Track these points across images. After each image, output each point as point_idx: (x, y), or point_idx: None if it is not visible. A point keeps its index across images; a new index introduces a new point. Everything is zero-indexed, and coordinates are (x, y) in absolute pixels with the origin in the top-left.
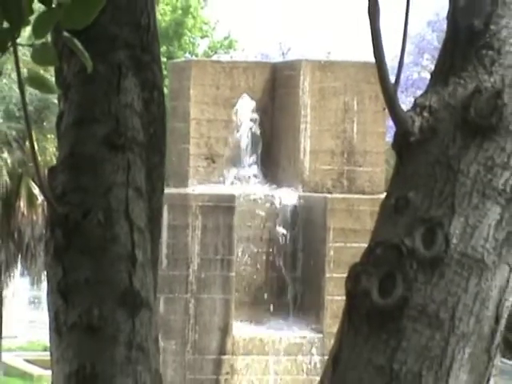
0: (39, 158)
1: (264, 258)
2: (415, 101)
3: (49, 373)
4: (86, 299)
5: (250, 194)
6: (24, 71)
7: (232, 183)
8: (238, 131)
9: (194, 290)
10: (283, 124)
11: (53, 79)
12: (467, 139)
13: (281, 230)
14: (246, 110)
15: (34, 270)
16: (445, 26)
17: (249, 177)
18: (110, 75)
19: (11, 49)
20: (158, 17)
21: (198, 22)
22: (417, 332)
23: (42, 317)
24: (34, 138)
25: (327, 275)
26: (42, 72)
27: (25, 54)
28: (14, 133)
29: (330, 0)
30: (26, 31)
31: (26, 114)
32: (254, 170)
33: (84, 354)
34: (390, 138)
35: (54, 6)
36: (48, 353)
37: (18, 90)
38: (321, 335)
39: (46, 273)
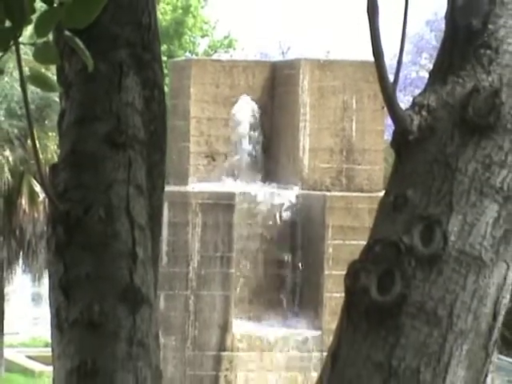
0: (41, 156)
1: (263, 255)
2: (414, 99)
3: (50, 369)
4: (87, 295)
5: (249, 191)
6: (26, 70)
7: (232, 181)
8: (237, 129)
9: (194, 286)
10: (283, 122)
11: (54, 78)
12: (465, 138)
13: (280, 227)
14: (245, 109)
15: (35, 266)
16: (443, 26)
17: (248, 175)
18: (112, 74)
19: (13, 47)
20: (159, 16)
21: (198, 22)
22: (415, 329)
23: (44, 313)
24: (36, 136)
25: (326, 272)
26: (43, 70)
27: (26, 52)
28: (15, 131)
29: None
30: (28, 30)
31: (27, 112)
32: (254, 167)
33: (85, 350)
34: (388, 136)
35: (55, 5)
36: (49, 349)
37: (19, 89)
38: (319, 332)
39: (48, 269)
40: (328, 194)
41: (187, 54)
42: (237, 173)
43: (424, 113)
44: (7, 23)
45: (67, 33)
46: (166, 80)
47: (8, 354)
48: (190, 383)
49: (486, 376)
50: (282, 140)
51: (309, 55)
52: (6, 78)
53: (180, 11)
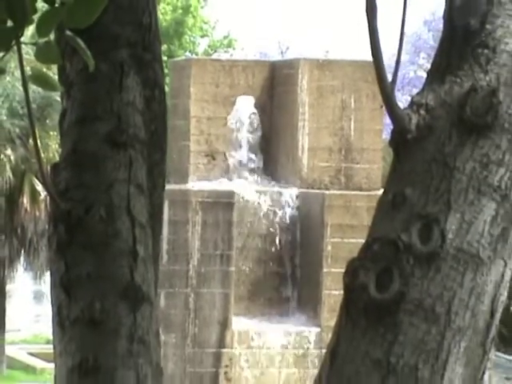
0: (42, 155)
1: (263, 253)
2: (412, 99)
3: (52, 366)
4: (88, 293)
5: (249, 190)
6: (27, 69)
7: (231, 180)
8: (237, 128)
9: (194, 284)
10: (282, 122)
11: (56, 77)
12: (463, 137)
13: (279, 225)
14: (245, 108)
15: (36, 264)
16: (441, 26)
17: (248, 173)
18: (112, 73)
19: (15, 47)
20: (159, 16)
21: (198, 22)
22: (413, 326)
23: (45, 311)
24: (37, 135)
25: (325, 270)
26: (45, 70)
27: (28, 52)
28: (17, 130)
29: (327, 0)
30: (30, 30)
31: (29, 111)
32: (253, 166)
33: (86, 347)
34: (386, 135)
35: (57, 5)
36: (51, 346)
37: (21, 88)
38: (318, 329)
39: (49, 267)
40: (327, 192)
41: (187, 53)
42: (236, 171)
43: (422, 112)
44: (9, 23)
45: (68, 33)
46: (167, 80)
47: (10, 350)
48: (190, 380)
49: (484, 373)
50: (281, 139)
51: (308, 55)
52: (8, 78)
53: (180, 11)
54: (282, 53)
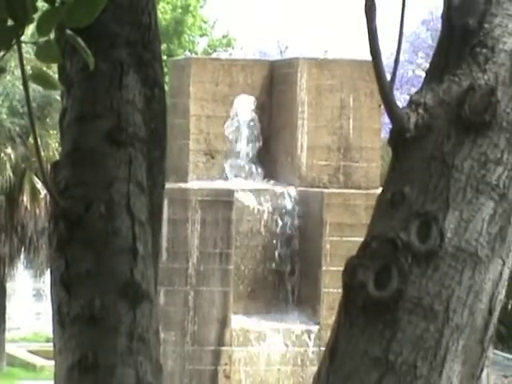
0: (42, 154)
1: (262, 251)
2: (411, 98)
3: (51, 363)
4: (88, 291)
5: (248, 188)
6: (27, 68)
7: (230, 178)
8: (236, 127)
9: (193, 282)
10: (281, 120)
11: (56, 76)
12: (461, 135)
13: (278, 224)
14: (244, 107)
15: (36, 262)
16: (439, 25)
17: (247, 172)
18: (112, 72)
19: (15, 46)
20: (159, 15)
21: (197, 21)
22: (412, 324)
23: (45, 308)
24: (37, 134)
25: (323, 268)
26: (45, 69)
27: (28, 51)
28: (17, 128)
29: None
30: (30, 29)
31: (29, 110)
32: (252, 165)
33: (86, 345)
34: (385, 134)
35: (57, 4)
36: (50, 344)
37: (21, 87)
38: (317, 327)
39: (49, 265)
40: (326, 191)
41: (187, 52)
42: (235, 170)
43: (421, 111)
44: (9, 22)
45: (69, 32)
46: (166, 79)
47: (10, 348)
48: (190, 377)
49: (482, 371)
50: (281, 138)
51: (307, 54)
52: (8, 77)
53: (179, 10)
54: (281, 52)
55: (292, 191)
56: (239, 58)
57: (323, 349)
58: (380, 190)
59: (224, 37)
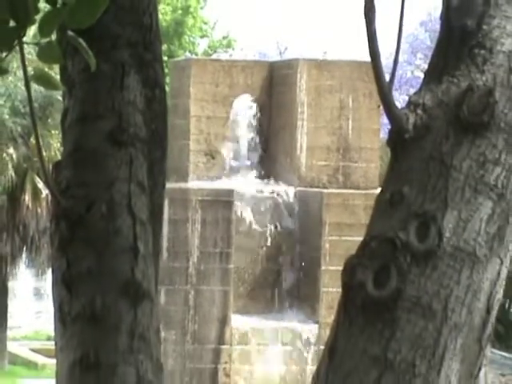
0: (44, 154)
1: (262, 251)
2: (409, 98)
3: (53, 361)
4: (89, 290)
5: (248, 188)
6: (29, 69)
7: (230, 178)
8: (236, 128)
9: (193, 281)
10: (280, 121)
11: (57, 77)
12: (460, 136)
13: (278, 223)
14: (244, 108)
15: (38, 261)
16: (437, 26)
17: (247, 172)
18: (114, 73)
19: (17, 47)
20: (159, 16)
21: (197, 22)
22: (410, 322)
23: (46, 307)
24: (39, 134)
25: (323, 268)
26: (46, 70)
27: (30, 52)
28: (19, 129)
29: (326, 1)
30: (32, 30)
31: (31, 110)
32: (252, 165)
33: (87, 343)
34: (384, 134)
35: (59, 5)
36: (52, 342)
37: (23, 88)
38: (316, 326)
39: (51, 264)
40: (325, 191)
41: (187, 53)
42: (235, 170)
43: (419, 111)
44: (11, 23)
45: (70, 33)
46: (167, 79)
47: (11, 347)
48: (190, 376)
49: (480, 369)
50: (280, 138)
51: (306, 55)
52: (10, 78)
53: (180, 12)
54: (280, 53)
55: (291, 191)
56: (239, 59)
57: (322, 348)
58: (379, 190)
59: (224, 38)
